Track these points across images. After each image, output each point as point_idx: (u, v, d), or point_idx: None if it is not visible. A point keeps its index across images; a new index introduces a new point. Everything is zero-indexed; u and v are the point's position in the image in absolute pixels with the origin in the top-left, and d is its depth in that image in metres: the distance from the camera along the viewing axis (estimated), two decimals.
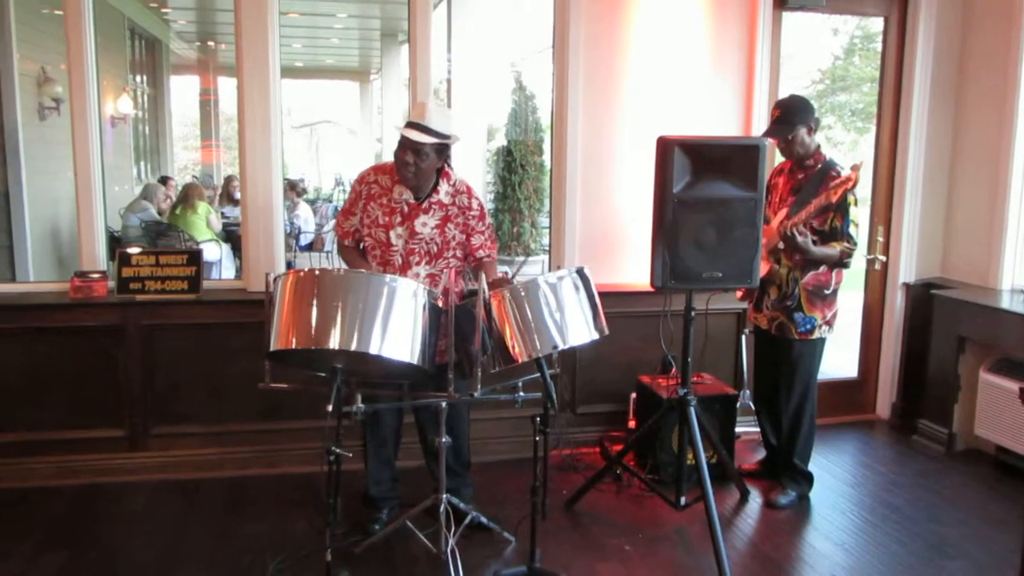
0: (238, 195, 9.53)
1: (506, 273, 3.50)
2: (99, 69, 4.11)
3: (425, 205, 3.33)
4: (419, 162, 3.19)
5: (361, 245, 3.47)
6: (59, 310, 3.91)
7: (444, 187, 3.35)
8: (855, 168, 3.48)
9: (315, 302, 2.74)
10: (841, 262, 3.66)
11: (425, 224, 3.33)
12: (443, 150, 3.25)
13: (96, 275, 4.00)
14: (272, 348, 2.78)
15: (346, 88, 20.35)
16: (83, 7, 3.91)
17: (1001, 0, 4.48)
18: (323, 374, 2.92)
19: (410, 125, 3.17)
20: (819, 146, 3.74)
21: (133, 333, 3.97)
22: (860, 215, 3.66)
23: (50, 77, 6.49)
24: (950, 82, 4.79)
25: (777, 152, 3.93)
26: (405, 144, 3.17)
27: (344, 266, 3.46)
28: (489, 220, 3.54)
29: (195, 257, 4.12)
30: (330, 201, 14.33)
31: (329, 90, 21.26)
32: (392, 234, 3.32)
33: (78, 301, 3.93)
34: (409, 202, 3.32)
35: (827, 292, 3.73)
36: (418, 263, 3.34)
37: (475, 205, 3.42)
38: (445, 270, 3.39)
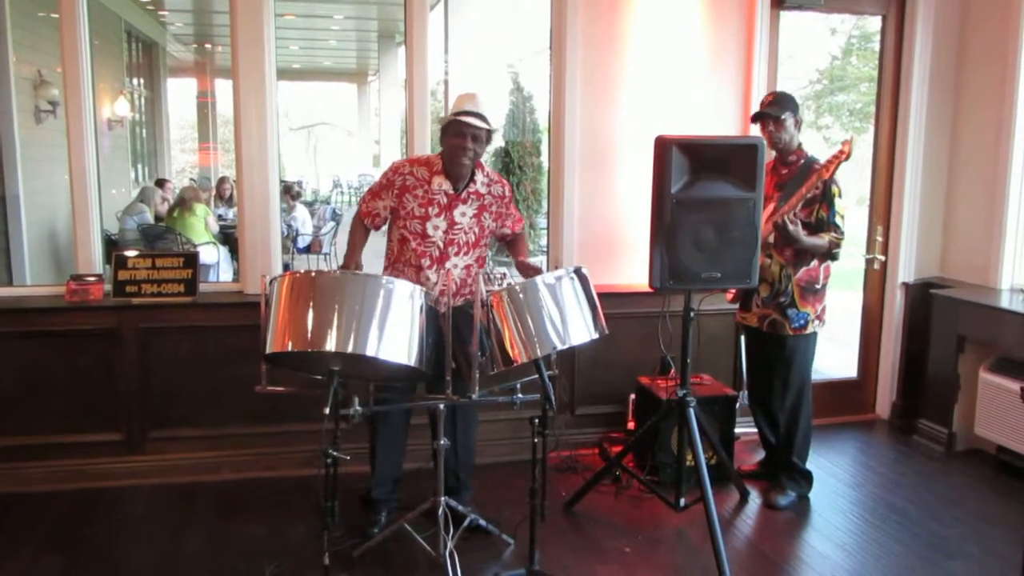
0: (229, 193, 9.55)
1: (504, 274, 3.53)
2: (95, 72, 4.09)
3: (464, 195, 3.40)
4: (476, 148, 3.31)
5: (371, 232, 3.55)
6: (55, 313, 3.89)
7: (480, 177, 3.44)
8: (846, 142, 3.51)
9: (311, 304, 2.73)
10: (830, 253, 3.68)
11: (464, 214, 3.40)
12: (490, 137, 3.38)
13: (92, 278, 3.98)
14: (268, 351, 2.76)
15: (344, 90, 20.37)
16: (78, 10, 3.89)
17: None
18: (320, 377, 2.90)
19: (466, 113, 3.24)
20: (801, 144, 3.79)
21: (129, 336, 3.95)
22: (846, 207, 3.69)
23: (46, 80, 6.48)
24: (948, 81, 4.78)
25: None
26: (464, 131, 3.25)
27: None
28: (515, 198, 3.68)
29: (191, 260, 4.11)
30: (327, 203, 14.32)
31: (327, 92, 21.28)
32: (429, 225, 3.37)
33: (74, 304, 3.91)
34: (448, 192, 3.38)
35: (818, 287, 3.75)
36: (456, 253, 3.40)
37: (507, 192, 3.56)
38: (478, 259, 3.48)
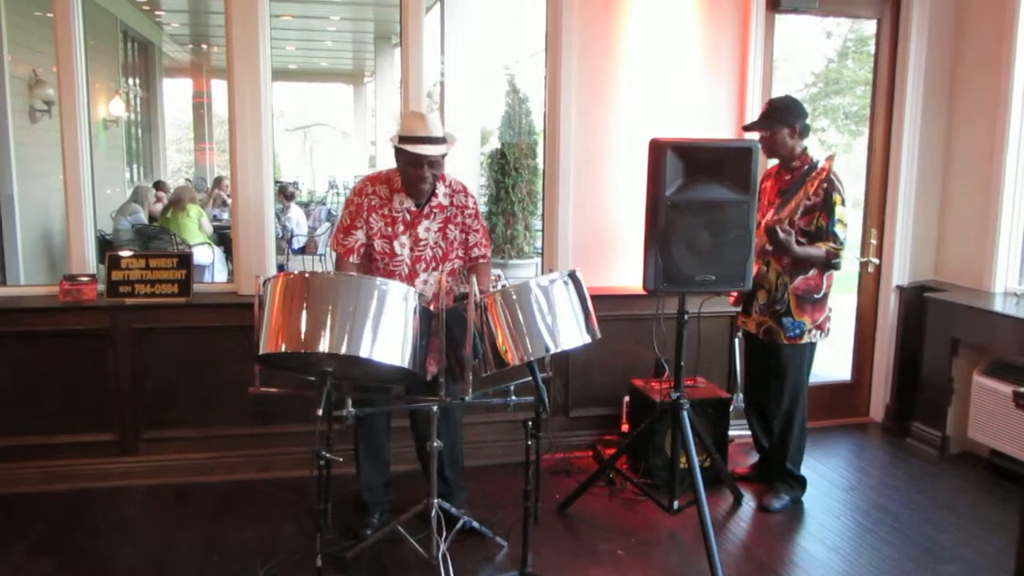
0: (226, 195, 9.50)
1: (498, 276, 3.49)
2: (91, 72, 4.09)
3: (426, 211, 3.34)
4: (435, 172, 3.24)
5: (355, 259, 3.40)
6: (48, 314, 3.88)
7: (442, 189, 3.37)
8: (828, 158, 3.49)
9: (305, 305, 2.72)
10: (829, 263, 3.64)
11: (428, 229, 3.34)
12: (446, 154, 3.30)
13: (85, 278, 3.97)
14: (261, 352, 2.75)
15: (340, 91, 20.35)
16: (72, 10, 3.89)
17: (993, 2, 4.48)
18: (313, 378, 2.89)
19: (418, 140, 3.15)
20: (806, 149, 3.74)
21: (123, 337, 3.94)
22: (848, 215, 3.65)
23: (41, 80, 6.47)
24: (943, 84, 4.79)
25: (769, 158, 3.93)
26: (420, 160, 3.17)
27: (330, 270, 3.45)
28: (483, 218, 3.55)
29: (185, 260, 4.10)
30: (323, 204, 14.30)
31: (323, 93, 21.26)
32: (396, 244, 3.32)
33: (67, 304, 3.90)
34: (411, 210, 3.32)
35: (817, 296, 3.72)
36: (425, 269, 3.35)
37: (471, 203, 3.45)
38: (450, 273, 3.40)
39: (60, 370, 3.90)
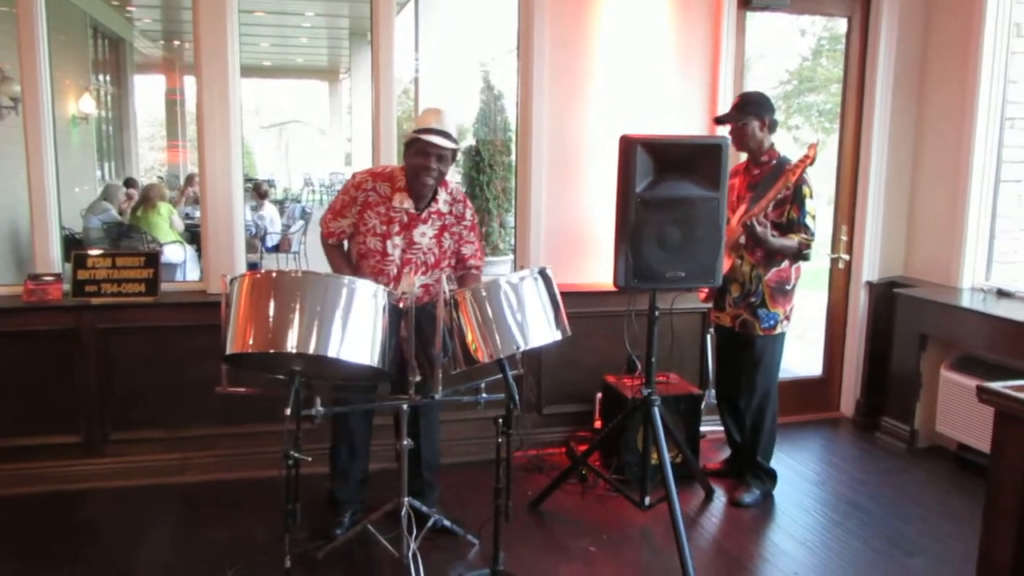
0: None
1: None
2: (60, 68, 4.03)
3: (424, 215, 3.33)
4: (441, 167, 3.24)
5: (346, 246, 3.47)
6: (11, 314, 3.82)
7: (443, 195, 3.37)
8: (811, 146, 3.53)
9: (272, 304, 2.69)
10: (800, 254, 3.69)
11: (424, 234, 3.34)
12: (455, 156, 3.31)
13: (50, 278, 3.91)
14: (228, 351, 2.72)
15: (315, 87, 20.23)
16: (35, 5, 3.82)
17: (961, 0, 4.53)
18: (282, 377, 2.87)
19: (430, 131, 3.16)
20: (773, 144, 3.79)
21: (89, 337, 3.88)
22: (816, 207, 3.70)
23: (8, 76, 6.35)
24: (912, 82, 4.84)
25: (738, 154, 3.95)
26: (428, 151, 3.17)
27: (302, 268, 3.43)
28: (479, 230, 3.56)
29: (153, 259, 4.05)
30: (298, 201, 14.22)
31: (298, 89, 21.13)
32: (388, 244, 3.30)
33: (31, 304, 3.84)
34: (409, 212, 3.31)
35: (788, 288, 3.77)
36: (414, 273, 3.33)
37: (468, 215, 3.45)
38: (439, 281, 3.38)
39: (24, 371, 3.83)
